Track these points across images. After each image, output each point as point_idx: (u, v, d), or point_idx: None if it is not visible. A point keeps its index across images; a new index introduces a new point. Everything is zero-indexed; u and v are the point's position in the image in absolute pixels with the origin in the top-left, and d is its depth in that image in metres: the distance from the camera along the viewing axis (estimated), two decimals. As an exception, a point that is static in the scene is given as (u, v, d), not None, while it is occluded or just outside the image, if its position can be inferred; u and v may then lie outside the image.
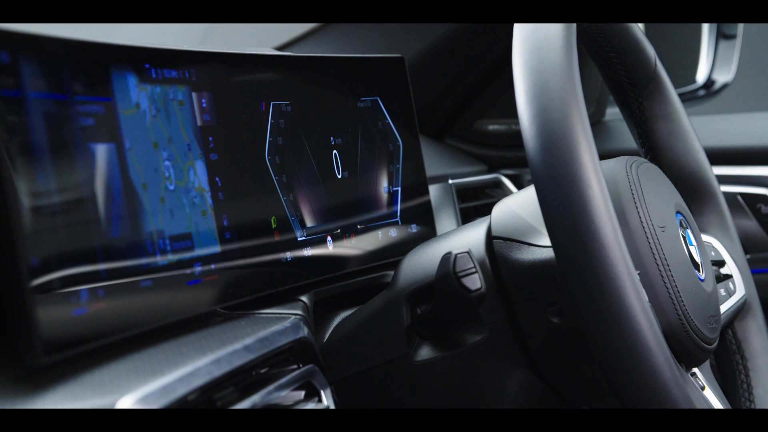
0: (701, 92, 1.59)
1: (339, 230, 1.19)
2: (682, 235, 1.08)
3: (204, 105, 1.02)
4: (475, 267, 1.04)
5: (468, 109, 1.63)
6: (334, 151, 1.20)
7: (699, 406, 0.99)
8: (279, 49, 1.57)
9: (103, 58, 0.90)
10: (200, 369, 0.84)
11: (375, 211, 1.25)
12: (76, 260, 0.82)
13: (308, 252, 1.13)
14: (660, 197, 1.07)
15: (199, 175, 1.00)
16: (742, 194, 1.51)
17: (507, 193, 1.61)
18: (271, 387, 0.93)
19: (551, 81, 0.91)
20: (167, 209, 0.95)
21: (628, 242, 1.00)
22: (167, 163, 0.96)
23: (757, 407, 1.22)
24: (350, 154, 1.22)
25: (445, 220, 1.41)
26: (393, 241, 1.26)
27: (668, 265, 1.01)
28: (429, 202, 1.33)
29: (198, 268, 0.98)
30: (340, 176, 1.20)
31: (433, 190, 1.42)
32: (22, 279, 0.76)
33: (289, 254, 1.11)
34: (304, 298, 1.11)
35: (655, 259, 1.00)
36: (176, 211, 0.96)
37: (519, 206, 1.09)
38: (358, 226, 1.22)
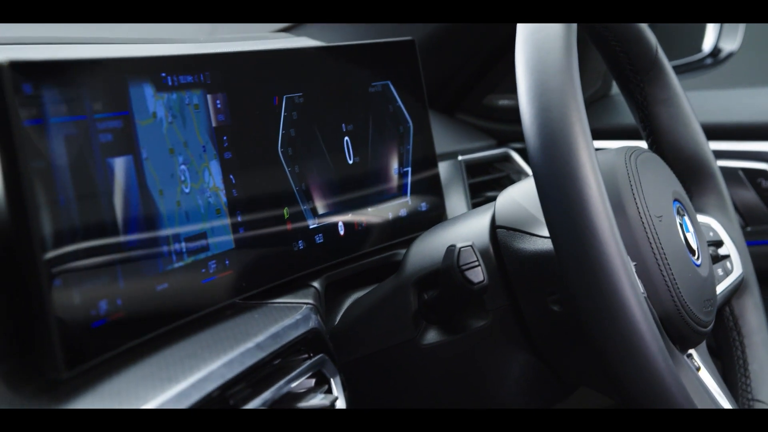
0: (708, 61, 1.61)
1: (350, 214, 1.22)
2: (680, 223, 1.11)
3: (219, 105, 1.05)
4: (478, 260, 1.08)
5: (479, 84, 1.65)
6: (346, 138, 1.23)
7: (692, 391, 1.04)
8: (285, 30, 1.58)
9: (121, 73, 0.93)
10: (213, 372, 0.89)
11: (386, 192, 1.28)
12: (95, 274, 0.85)
13: (320, 238, 1.17)
14: (658, 187, 1.10)
15: (213, 174, 1.03)
16: (743, 169, 1.54)
17: (515, 166, 1.63)
18: (281, 382, 0.97)
19: (551, 81, 0.95)
20: (183, 212, 0.98)
21: (627, 232, 1.04)
22: (183, 167, 0.99)
23: (753, 383, 1.26)
24: (361, 139, 1.25)
25: (454, 197, 1.45)
26: (403, 221, 1.30)
27: (665, 254, 1.05)
28: (439, 180, 1.36)
29: (213, 266, 1.01)
30: (351, 162, 1.23)
31: (443, 167, 1.45)
32: (44, 300, 0.79)
33: (301, 242, 1.14)
34: (315, 284, 1.15)
35: (652, 249, 1.04)
36: (191, 213, 0.99)
37: (522, 197, 1.12)
38: (369, 209, 1.25)
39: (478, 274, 1.07)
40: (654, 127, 1.28)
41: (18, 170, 0.79)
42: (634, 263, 1.04)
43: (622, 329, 0.93)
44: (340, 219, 1.20)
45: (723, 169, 1.48)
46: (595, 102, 1.73)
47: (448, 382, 1.15)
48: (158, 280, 0.93)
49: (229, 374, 0.90)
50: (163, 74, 0.99)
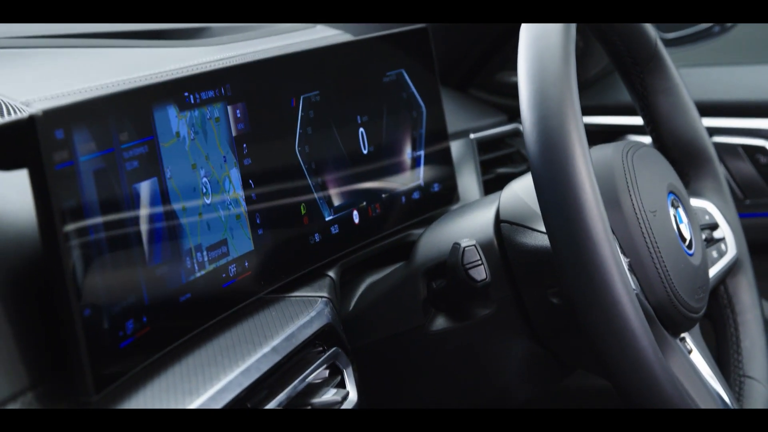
0: (716, 29, 1.64)
1: (364, 203, 1.27)
2: (673, 215, 1.17)
3: (239, 115, 1.09)
4: (480, 259, 1.14)
5: (491, 61, 1.70)
6: (361, 129, 1.27)
7: (682, 375, 1.11)
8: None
9: (146, 99, 0.97)
10: (231, 382, 0.95)
11: (399, 177, 1.33)
12: (122, 296, 0.90)
13: (335, 229, 1.22)
14: (653, 182, 1.16)
15: (233, 182, 1.08)
16: (743, 145, 1.59)
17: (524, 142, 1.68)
18: (296, 381, 1.03)
19: (550, 90, 1.01)
20: (204, 223, 1.02)
21: (622, 227, 1.10)
22: (204, 179, 1.03)
23: (744, 359, 1.32)
24: (376, 128, 1.30)
25: (466, 176, 1.50)
26: (416, 203, 1.35)
27: (658, 248, 1.11)
28: (451, 161, 1.41)
29: (233, 269, 1.06)
30: (366, 152, 1.28)
31: (455, 146, 1.49)
32: (75, 330, 0.84)
33: (317, 235, 1.20)
34: (331, 273, 1.21)
35: (646, 243, 1.11)
36: (213, 222, 1.04)
37: (525, 193, 1.18)
38: (383, 195, 1.30)
39: (480, 273, 1.14)
40: (654, 115, 1.33)
41: (51, 212, 0.83)
42: (628, 259, 1.10)
43: (614, 325, 1.00)
44: (355, 208, 1.26)
45: (723, 145, 1.54)
46: (602, 78, 1.77)
47: (455, 366, 1.22)
48: (181, 291, 0.98)
49: (247, 382, 0.96)
50: (186, 93, 1.03)
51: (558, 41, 1.04)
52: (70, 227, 0.85)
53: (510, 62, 1.71)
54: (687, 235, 1.19)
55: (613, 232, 1.11)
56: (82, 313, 0.85)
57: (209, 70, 1.07)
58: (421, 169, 1.36)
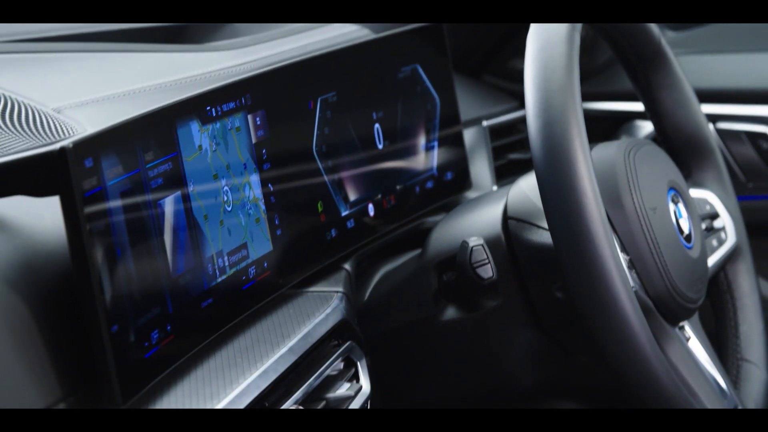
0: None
1: (379, 195, 1.31)
2: (673, 211, 1.22)
3: (258, 122, 1.12)
4: (488, 258, 1.19)
5: (504, 48, 1.73)
6: (376, 125, 1.31)
7: (680, 363, 1.17)
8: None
9: (169, 117, 1.00)
10: (250, 385, 1.00)
11: (413, 169, 1.37)
12: (147, 309, 0.94)
13: (351, 223, 1.27)
14: (654, 179, 1.21)
15: (253, 187, 1.11)
16: (746, 132, 1.64)
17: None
18: (311, 379, 1.09)
19: (554, 99, 1.06)
20: (225, 229, 1.06)
21: (623, 225, 1.16)
22: (226, 188, 1.07)
23: (742, 343, 1.38)
24: (391, 123, 1.33)
25: (478, 163, 1.54)
26: (430, 192, 1.39)
27: (658, 244, 1.17)
28: (464, 150, 1.45)
29: (252, 271, 1.10)
30: (381, 146, 1.32)
31: (468, 134, 1.53)
32: (104, 346, 0.89)
33: (334, 231, 1.24)
34: (347, 266, 1.25)
35: (647, 239, 1.16)
36: (233, 228, 1.08)
37: (531, 191, 1.23)
38: (397, 187, 1.34)
39: (487, 271, 1.19)
40: (657, 110, 1.38)
41: (81, 236, 0.88)
42: (629, 255, 1.15)
43: (613, 321, 1.06)
44: (370, 201, 1.30)
45: (727, 131, 1.59)
46: (610, 66, 1.81)
47: (464, 354, 1.28)
48: (203, 297, 1.03)
49: (264, 384, 1.02)
50: (208, 107, 1.06)
51: (562, 50, 1.09)
52: (99, 249, 0.89)
53: (523, 49, 1.75)
54: (686, 229, 1.23)
55: (615, 229, 1.16)
56: (110, 329, 0.90)
57: (229, 82, 1.10)
58: (435, 159, 1.40)
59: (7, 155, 0.90)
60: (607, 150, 1.22)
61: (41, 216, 0.97)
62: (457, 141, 1.45)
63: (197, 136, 1.04)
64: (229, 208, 1.08)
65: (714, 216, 1.39)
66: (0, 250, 0.93)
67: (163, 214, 0.98)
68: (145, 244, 0.96)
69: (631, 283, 1.14)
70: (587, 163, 1.05)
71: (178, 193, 1.01)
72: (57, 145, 0.88)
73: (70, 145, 0.88)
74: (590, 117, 1.67)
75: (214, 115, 1.07)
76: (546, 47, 1.10)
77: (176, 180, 1.01)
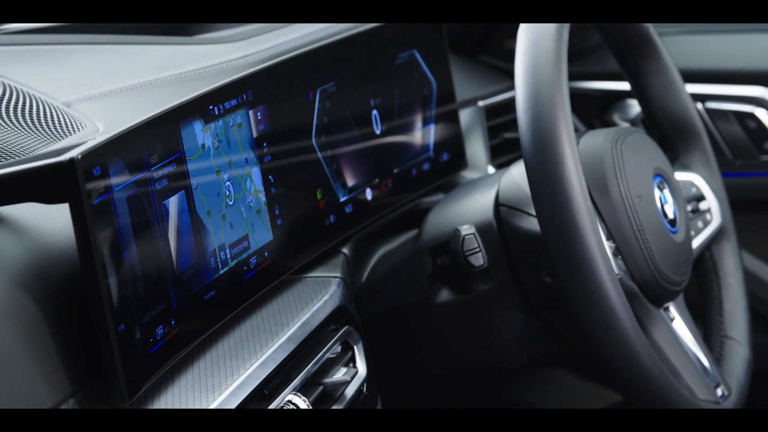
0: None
1: (377, 180, 1.35)
2: (659, 197, 1.26)
3: (259, 117, 1.14)
4: (479, 246, 1.23)
5: (500, 28, 1.76)
6: (374, 111, 1.34)
7: (664, 343, 1.22)
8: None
9: (173, 119, 1.03)
10: (250, 375, 1.03)
11: (410, 152, 1.40)
12: (152, 306, 0.98)
13: (349, 208, 1.29)
14: (640, 167, 1.25)
15: (254, 180, 1.14)
16: (734, 111, 1.67)
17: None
18: (309, 366, 1.12)
19: (543, 94, 1.10)
20: (227, 223, 1.09)
21: (610, 212, 1.21)
22: (228, 183, 1.10)
23: (726, 321, 1.42)
24: (388, 109, 1.36)
25: (474, 143, 1.57)
26: (426, 174, 1.43)
27: (643, 230, 1.21)
28: (459, 131, 1.48)
29: (253, 261, 1.13)
30: (378, 132, 1.35)
31: (464, 114, 1.56)
32: (111, 345, 0.92)
33: (332, 216, 1.27)
34: (345, 250, 1.29)
35: (632, 226, 1.21)
36: (235, 221, 1.10)
37: (522, 179, 1.27)
38: (394, 170, 1.37)
39: (478, 259, 1.23)
40: (646, 95, 1.42)
41: (89, 243, 0.91)
42: (616, 242, 1.19)
43: (598, 308, 1.11)
44: (368, 186, 1.33)
45: (716, 110, 1.63)
46: (603, 46, 1.83)
47: (457, 335, 1.32)
48: (206, 290, 1.06)
49: (264, 374, 1.05)
50: (211, 106, 1.08)
51: (551, 46, 1.13)
52: (106, 253, 0.93)
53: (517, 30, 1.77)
54: (671, 214, 1.27)
55: (602, 217, 1.21)
56: (116, 329, 0.93)
57: (231, 80, 1.12)
58: (431, 141, 1.43)
59: (19, 164, 0.93)
60: (596, 139, 1.25)
61: (52, 218, 1.01)
62: (453, 122, 1.47)
63: (200, 135, 1.06)
64: (231, 203, 1.11)
65: (700, 198, 1.43)
66: (12, 252, 0.97)
67: (167, 213, 1.01)
68: (150, 244, 0.99)
69: (617, 270, 1.19)
70: (574, 156, 1.09)
71: (182, 192, 1.03)
72: (66, 156, 0.91)
73: (79, 157, 0.91)
74: (583, 96, 1.72)
75: (217, 113, 1.09)
76: (536, 44, 1.14)
77: (180, 180, 1.03)
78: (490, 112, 1.63)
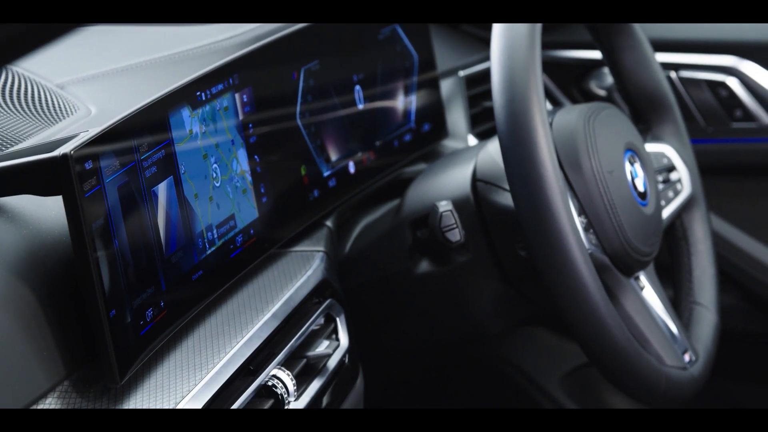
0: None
1: (359, 153, 1.37)
2: (630, 171, 1.29)
3: (245, 99, 1.16)
4: (456, 222, 1.26)
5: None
6: (357, 87, 1.36)
7: (633, 312, 1.26)
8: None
9: (162, 109, 1.04)
10: (236, 353, 1.06)
11: (392, 124, 1.42)
12: (143, 290, 1.00)
13: (333, 183, 1.32)
14: (612, 143, 1.29)
15: (240, 161, 1.16)
16: (706, 80, 1.70)
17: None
18: (293, 340, 1.15)
19: (517, 77, 1.13)
20: (215, 204, 1.11)
21: (582, 188, 1.24)
22: (215, 165, 1.12)
23: (695, 287, 1.46)
24: (371, 83, 1.38)
25: (455, 112, 1.59)
26: (408, 144, 1.45)
27: (614, 204, 1.25)
28: (441, 101, 1.50)
29: (239, 239, 1.15)
30: (361, 107, 1.37)
31: (445, 84, 1.57)
32: (103, 330, 0.95)
33: (316, 191, 1.30)
34: (328, 223, 1.32)
35: (603, 201, 1.24)
36: (222, 202, 1.12)
37: (498, 156, 1.30)
38: (377, 143, 1.40)
39: (455, 235, 1.27)
40: (619, 69, 1.45)
41: (82, 233, 0.94)
42: (587, 218, 1.23)
43: (568, 281, 1.15)
44: (351, 160, 1.36)
45: (689, 79, 1.66)
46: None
47: (436, 304, 1.36)
48: (194, 271, 1.08)
49: (249, 351, 1.08)
50: (198, 92, 1.10)
51: (524, 32, 1.17)
52: (99, 242, 0.95)
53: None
54: (641, 187, 1.31)
55: (575, 193, 1.24)
56: (108, 314, 0.96)
57: (218, 65, 1.14)
58: (413, 112, 1.46)
59: (14, 157, 0.96)
60: (569, 116, 1.28)
61: (46, 206, 1.03)
62: (434, 94, 1.50)
63: (188, 121, 1.08)
64: (218, 184, 1.13)
65: (671, 168, 1.46)
66: (8, 240, 1.00)
67: (156, 200, 1.03)
68: (140, 230, 1.01)
69: (588, 245, 1.22)
70: (547, 137, 1.13)
71: (170, 178, 1.05)
72: (59, 152, 0.93)
73: (72, 152, 0.93)
74: (560, 64, 1.74)
75: (204, 98, 1.11)
76: (509, 30, 1.16)
77: (169, 166, 1.05)
78: (471, 81, 1.65)
